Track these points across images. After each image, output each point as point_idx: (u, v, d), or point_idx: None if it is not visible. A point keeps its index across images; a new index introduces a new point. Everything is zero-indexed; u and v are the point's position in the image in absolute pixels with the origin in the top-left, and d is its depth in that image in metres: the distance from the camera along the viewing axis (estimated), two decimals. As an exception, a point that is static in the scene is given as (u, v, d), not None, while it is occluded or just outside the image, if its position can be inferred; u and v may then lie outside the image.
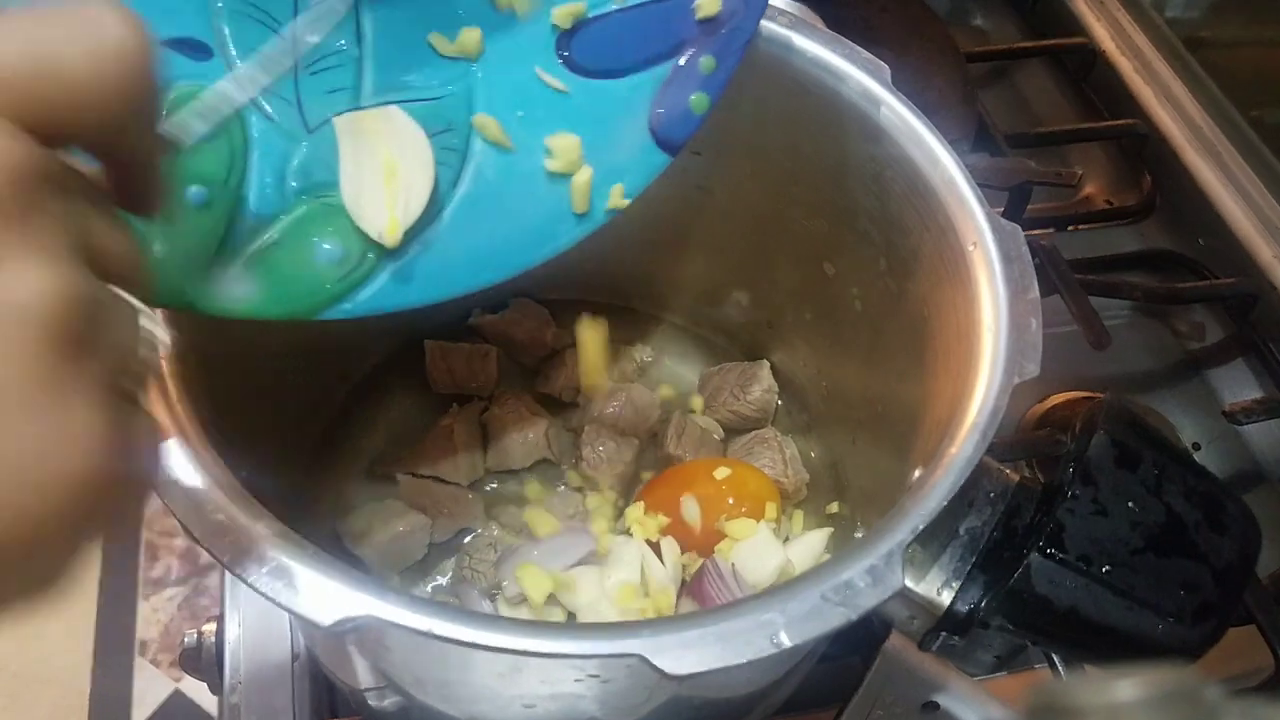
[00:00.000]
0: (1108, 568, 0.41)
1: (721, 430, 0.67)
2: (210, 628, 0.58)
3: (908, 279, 0.51)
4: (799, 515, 0.64)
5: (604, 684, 0.40)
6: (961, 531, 0.43)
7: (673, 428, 0.66)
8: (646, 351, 0.71)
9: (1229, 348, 0.79)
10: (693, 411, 0.69)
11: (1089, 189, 0.90)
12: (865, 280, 0.56)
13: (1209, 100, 0.87)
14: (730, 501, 0.60)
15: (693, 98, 0.48)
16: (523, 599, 0.58)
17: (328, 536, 0.61)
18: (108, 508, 0.25)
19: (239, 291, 0.40)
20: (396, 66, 0.46)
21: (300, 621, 0.48)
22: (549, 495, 0.65)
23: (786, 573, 0.57)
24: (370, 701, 0.50)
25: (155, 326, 0.29)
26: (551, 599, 0.58)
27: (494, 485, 0.65)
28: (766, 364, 0.68)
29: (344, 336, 0.65)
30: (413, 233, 0.44)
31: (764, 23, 0.52)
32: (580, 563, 0.58)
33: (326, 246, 0.42)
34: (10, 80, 0.22)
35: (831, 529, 0.61)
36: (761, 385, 0.67)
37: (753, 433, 0.67)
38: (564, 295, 0.73)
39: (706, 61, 0.48)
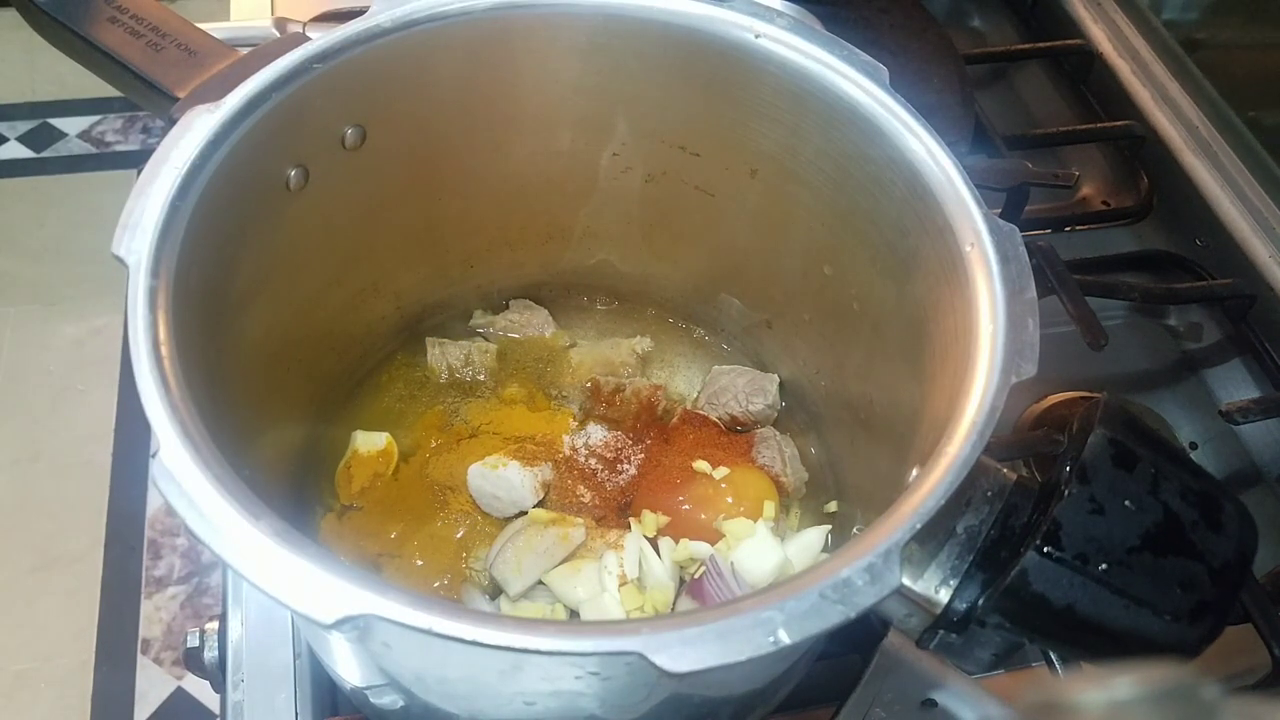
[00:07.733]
0: (1105, 566, 0.41)
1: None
2: (213, 626, 0.58)
3: (906, 279, 0.51)
4: (798, 514, 0.64)
5: (604, 681, 0.40)
6: (959, 530, 0.43)
7: (676, 419, 0.66)
8: (645, 342, 0.71)
9: (1226, 348, 0.80)
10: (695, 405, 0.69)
11: (1086, 190, 0.90)
12: (864, 281, 0.57)
13: (1206, 102, 0.87)
14: (729, 501, 0.61)
15: None
16: (523, 597, 0.58)
17: (329, 536, 0.62)
18: None
19: None
20: None
21: (302, 620, 0.48)
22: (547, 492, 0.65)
23: (785, 571, 0.57)
24: (371, 699, 0.50)
25: None
26: (553, 597, 0.58)
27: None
28: (776, 379, 0.68)
29: (346, 336, 0.65)
30: None
31: (763, 24, 0.52)
32: (573, 555, 0.58)
33: None
34: None
35: (830, 527, 0.61)
36: (766, 399, 0.67)
37: (752, 431, 0.67)
38: (564, 295, 0.74)
39: None
